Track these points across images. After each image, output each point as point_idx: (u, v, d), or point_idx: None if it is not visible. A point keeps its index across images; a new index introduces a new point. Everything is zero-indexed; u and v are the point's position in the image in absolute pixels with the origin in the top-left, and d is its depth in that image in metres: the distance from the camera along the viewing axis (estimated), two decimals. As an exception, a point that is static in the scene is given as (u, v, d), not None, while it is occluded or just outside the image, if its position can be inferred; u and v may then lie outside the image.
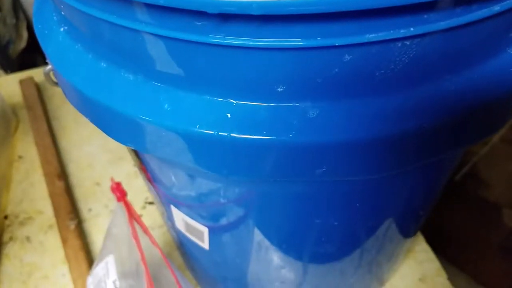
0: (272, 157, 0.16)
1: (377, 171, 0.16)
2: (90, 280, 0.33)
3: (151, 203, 0.48)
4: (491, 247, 0.90)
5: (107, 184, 0.50)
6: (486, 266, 0.83)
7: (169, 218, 0.29)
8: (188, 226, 0.27)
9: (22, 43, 1.16)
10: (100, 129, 0.19)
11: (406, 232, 0.32)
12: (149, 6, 0.13)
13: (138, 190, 0.49)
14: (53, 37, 0.19)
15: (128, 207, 0.31)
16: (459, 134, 0.17)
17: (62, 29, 0.19)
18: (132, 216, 0.31)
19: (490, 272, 0.87)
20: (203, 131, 0.15)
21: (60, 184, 0.47)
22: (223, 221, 0.23)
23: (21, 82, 0.60)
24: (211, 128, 0.15)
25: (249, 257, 0.27)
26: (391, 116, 0.15)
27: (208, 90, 0.15)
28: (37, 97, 0.58)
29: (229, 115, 0.15)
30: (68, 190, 0.48)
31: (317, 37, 0.13)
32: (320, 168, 0.16)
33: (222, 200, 0.21)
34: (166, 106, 0.16)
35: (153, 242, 0.30)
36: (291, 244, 0.24)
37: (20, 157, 0.54)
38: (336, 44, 0.13)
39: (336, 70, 0.14)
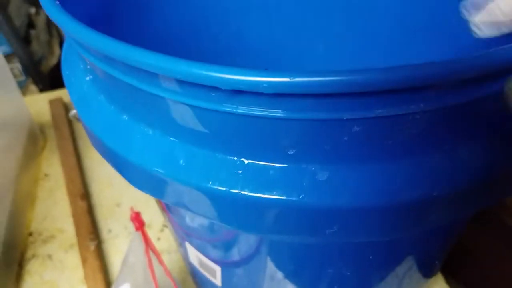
0: (282, 215, 0.16)
1: (390, 234, 0.16)
2: (106, 307, 0.34)
3: (168, 226, 0.48)
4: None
5: (127, 205, 0.51)
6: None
7: (184, 251, 0.29)
8: (201, 263, 0.27)
9: (54, 59, 1.20)
10: (120, 174, 0.20)
11: (425, 275, 0.32)
12: (168, 77, 0.13)
13: (157, 212, 0.50)
14: (78, 85, 0.20)
15: (145, 237, 0.32)
16: (479, 196, 0.17)
17: (87, 78, 0.20)
18: (149, 246, 0.31)
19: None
20: (215, 187, 0.16)
21: (82, 204, 0.49)
22: (236, 263, 0.24)
23: (51, 102, 0.62)
24: (223, 184, 0.16)
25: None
26: (400, 182, 0.15)
27: (221, 148, 0.16)
28: (65, 117, 0.60)
29: (240, 173, 0.16)
30: (90, 210, 0.49)
31: (326, 111, 0.13)
32: (330, 229, 0.16)
33: (234, 244, 0.22)
34: (181, 161, 0.16)
35: (167, 274, 0.31)
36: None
37: (46, 175, 0.56)
38: (344, 118, 0.13)
39: (345, 138, 0.14)
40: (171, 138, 0.17)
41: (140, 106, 0.17)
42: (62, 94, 0.65)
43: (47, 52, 1.21)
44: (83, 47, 0.16)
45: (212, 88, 0.13)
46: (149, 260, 0.31)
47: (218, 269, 0.26)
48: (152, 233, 0.48)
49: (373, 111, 0.13)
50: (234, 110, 0.14)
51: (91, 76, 0.20)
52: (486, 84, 0.13)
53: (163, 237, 0.48)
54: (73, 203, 0.49)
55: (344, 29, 0.33)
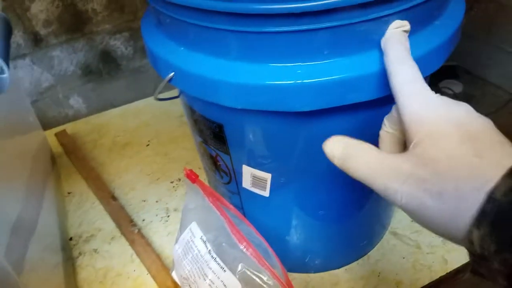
0: (332, 87, 0.28)
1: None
2: (177, 247, 0.43)
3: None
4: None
5: (153, 200, 0.60)
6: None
7: (237, 184, 0.40)
8: (254, 180, 0.38)
9: None
10: (211, 99, 0.31)
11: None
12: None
13: (180, 199, 0.60)
14: (150, 30, 0.33)
15: (202, 184, 0.42)
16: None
17: (155, 26, 0.32)
18: (207, 189, 0.42)
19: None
20: (286, 82, 0.28)
21: (115, 202, 0.57)
22: (284, 161, 0.35)
23: (57, 134, 0.70)
24: (290, 79, 0.28)
25: (298, 197, 0.39)
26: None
27: (286, 60, 0.28)
28: (74, 143, 0.68)
29: (299, 71, 0.28)
30: (122, 207, 0.58)
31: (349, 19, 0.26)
32: (353, 93, 0.29)
33: (284, 142, 0.34)
34: (265, 73, 0.29)
35: (226, 204, 0.41)
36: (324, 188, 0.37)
37: (69, 193, 0.63)
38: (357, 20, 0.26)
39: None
40: (252, 63, 0.29)
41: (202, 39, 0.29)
42: (62, 128, 0.74)
43: None
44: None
45: (285, 15, 0.25)
46: (211, 198, 0.41)
47: (269, 177, 0.37)
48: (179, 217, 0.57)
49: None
50: (299, 28, 0.26)
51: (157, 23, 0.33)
52: None
53: (190, 215, 0.57)
54: (106, 204, 0.57)
55: None
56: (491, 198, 0.17)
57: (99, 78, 0.82)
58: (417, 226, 0.53)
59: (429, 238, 0.51)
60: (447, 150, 0.20)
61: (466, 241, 0.19)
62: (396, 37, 0.27)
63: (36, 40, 0.74)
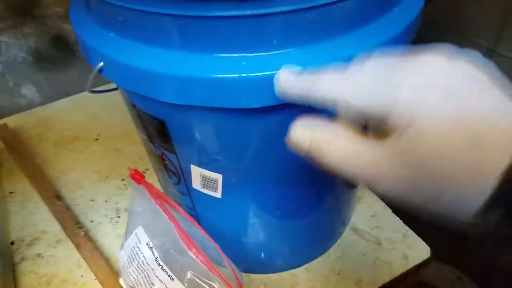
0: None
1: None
2: (122, 253, 0.40)
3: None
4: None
5: (102, 199, 0.56)
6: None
7: (186, 184, 0.37)
8: (204, 181, 0.35)
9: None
10: (146, 94, 0.28)
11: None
12: None
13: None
14: (79, 17, 0.30)
15: (149, 185, 0.39)
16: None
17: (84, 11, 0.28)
18: (153, 190, 0.38)
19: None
20: (229, 75, 0.25)
21: (60, 203, 0.53)
22: (236, 161, 0.32)
23: (-3, 128, 0.65)
24: (235, 72, 0.25)
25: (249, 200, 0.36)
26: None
27: (230, 50, 0.25)
28: (16, 138, 0.63)
29: (244, 63, 0.25)
30: (68, 208, 0.53)
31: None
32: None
33: (233, 141, 0.31)
34: (206, 65, 0.25)
35: (175, 206, 0.38)
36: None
37: (11, 192, 0.58)
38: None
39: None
40: (197, 52, 0.26)
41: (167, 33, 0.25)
42: (5, 121, 0.68)
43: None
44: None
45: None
46: (158, 201, 0.38)
47: (219, 177, 0.34)
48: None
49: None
50: (243, 13, 0.23)
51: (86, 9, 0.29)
52: None
53: (143, 215, 0.54)
54: (51, 204, 0.53)
55: None
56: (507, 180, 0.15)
57: (52, 66, 0.76)
58: (377, 221, 0.52)
59: (389, 233, 0.50)
60: (439, 147, 0.16)
61: (480, 224, 0.16)
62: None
63: (-21, 24, 0.67)
